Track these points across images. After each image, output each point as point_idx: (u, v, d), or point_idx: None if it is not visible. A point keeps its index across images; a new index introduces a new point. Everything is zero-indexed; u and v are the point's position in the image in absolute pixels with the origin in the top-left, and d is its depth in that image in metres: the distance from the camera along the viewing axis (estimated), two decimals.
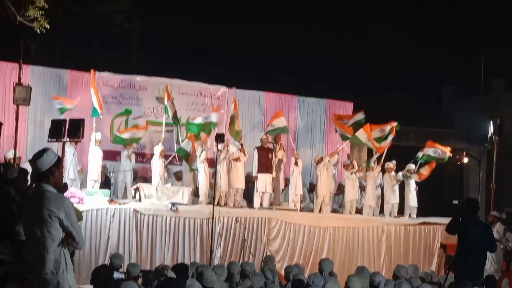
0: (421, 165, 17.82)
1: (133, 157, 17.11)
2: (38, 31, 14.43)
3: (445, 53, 29.52)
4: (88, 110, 16.76)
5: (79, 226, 6.14)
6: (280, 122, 17.78)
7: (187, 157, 16.96)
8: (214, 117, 17.46)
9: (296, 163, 17.11)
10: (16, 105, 15.28)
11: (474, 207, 10.41)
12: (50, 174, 5.97)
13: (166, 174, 16.80)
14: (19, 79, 15.48)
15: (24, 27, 14.63)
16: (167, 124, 17.58)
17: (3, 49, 17.57)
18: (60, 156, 6.13)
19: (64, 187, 8.84)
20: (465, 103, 28.50)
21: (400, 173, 17.47)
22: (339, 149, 18.19)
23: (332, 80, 25.51)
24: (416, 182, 17.62)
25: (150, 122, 18.50)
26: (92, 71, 17.05)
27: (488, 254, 12.45)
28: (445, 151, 17.99)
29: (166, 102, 17.22)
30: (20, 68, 15.60)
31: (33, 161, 6.01)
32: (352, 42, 28.36)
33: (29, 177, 9.45)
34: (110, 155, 17.44)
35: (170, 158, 17.49)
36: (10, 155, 15.10)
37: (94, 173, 15.93)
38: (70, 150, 15.38)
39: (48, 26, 14.46)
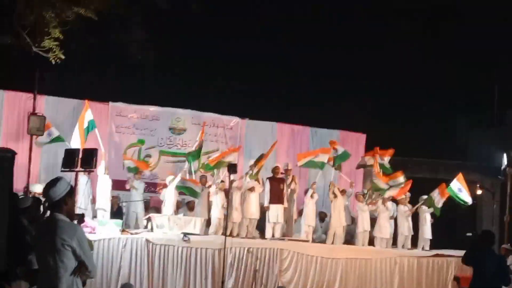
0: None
1: (140, 185, 17.04)
2: (53, 61, 14.60)
3: (458, 84, 29.50)
4: (102, 140, 16.84)
5: (91, 255, 6.13)
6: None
7: (192, 192, 16.83)
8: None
9: (311, 196, 17.09)
10: (30, 134, 15.39)
11: (490, 240, 10.33)
12: (63, 203, 5.98)
13: (176, 205, 16.79)
14: (34, 109, 15.63)
15: (39, 57, 14.81)
16: (179, 155, 17.64)
17: (18, 79, 17.74)
18: (73, 185, 6.14)
19: (81, 218, 8.87)
20: (478, 135, 28.42)
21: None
22: (354, 181, 18.19)
23: (345, 112, 25.51)
24: (431, 214, 17.54)
25: (163, 152, 18.60)
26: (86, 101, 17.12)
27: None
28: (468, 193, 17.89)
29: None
30: (34, 98, 15.77)
31: (46, 190, 6.03)
32: (365, 72, 28.37)
33: (41, 207, 9.50)
34: (122, 185, 17.47)
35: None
36: (36, 189, 15.01)
37: (103, 202, 15.86)
38: (83, 180, 15.45)
39: (63, 57, 14.65)
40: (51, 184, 6.01)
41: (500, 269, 9.97)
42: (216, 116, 19.74)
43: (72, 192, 6.12)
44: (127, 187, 16.94)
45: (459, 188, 17.70)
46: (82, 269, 5.94)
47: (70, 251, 5.84)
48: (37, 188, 15.02)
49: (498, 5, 27.53)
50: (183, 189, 16.72)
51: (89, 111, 16.51)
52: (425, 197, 17.67)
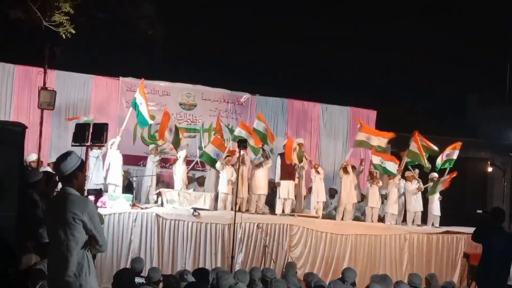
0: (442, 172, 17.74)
1: (152, 161, 17.07)
2: (64, 36, 14.56)
3: (469, 61, 29.31)
4: (112, 115, 16.84)
5: (102, 229, 6.16)
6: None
7: (211, 162, 16.79)
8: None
9: (317, 171, 17.06)
10: (41, 109, 15.40)
11: (501, 217, 10.28)
12: (73, 177, 6.01)
13: (186, 180, 16.81)
14: (44, 83, 15.62)
15: (50, 31, 14.76)
16: (190, 130, 17.63)
17: (29, 54, 17.73)
18: (84, 160, 6.16)
19: (99, 194, 8.89)
20: (489, 112, 28.26)
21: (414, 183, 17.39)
22: (364, 159, 18.16)
23: (356, 88, 25.43)
24: (440, 191, 17.50)
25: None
26: (142, 79, 17.08)
27: None
28: (454, 149, 17.83)
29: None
30: (45, 72, 15.74)
31: (57, 164, 6.06)
32: (375, 49, 28.23)
33: (52, 180, 9.52)
34: (133, 160, 17.54)
35: (193, 164, 17.56)
36: (31, 158, 15.16)
37: (114, 177, 15.86)
38: (94, 154, 15.48)
39: (73, 31, 14.59)
40: (62, 158, 6.04)
41: (510, 247, 9.94)
42: (227, 92, 19.72)
43: (83, 166, 6.13)
44: (154, 160, 16.92)
45: (446, 154, 17.72)
46: (93, 243, 5.98)
47: (81, 225, 5.88)
48: (32, 157, 15.11)
49: None
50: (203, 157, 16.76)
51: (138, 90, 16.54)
52: (435, 175, 17.64)
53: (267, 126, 16.99)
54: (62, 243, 5.88)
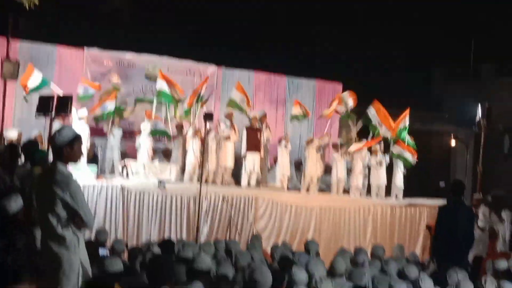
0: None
1: (116, 132, 16.93)
2: (27, 6, 14.32)
3: (435, 35, 29.50)
4: (76, 87, 16.67)
5: (87, 206, 6.19)
6: (296, 110, 18.03)
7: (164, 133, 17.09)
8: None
9: (285, 146, 17.14)
10: (4, 80, 15.20)
11: (460, 189, 10.41)
12: (62, 152, 6.04)
13: (151, 152, 16.75)
14: (7, 54, 15.39)
15: (13, 1, 14.51)
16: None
17: None
18: (78, 136, 6.19)
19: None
20: (453, 87, 28.54)
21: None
22: (328, 131, 18.26)
23: (320, 60, 25.45)
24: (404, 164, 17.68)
25: (139, 100, 18.48)
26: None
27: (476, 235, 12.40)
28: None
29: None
30: (8, 43, 15.50)
31: (52, 137, 6.12)
32: (340, 21, 28.25)
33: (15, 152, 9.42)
34: (99, 131, 17.40)
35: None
36: (11, 134, 14.87)
37: None
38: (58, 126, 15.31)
39: (37, 2, 14.36)
40: (56, 132, 6.09)
41: (467, 221, 10.06)
42: (193, 64, 19.61)
43: (74, 141, 6.12)
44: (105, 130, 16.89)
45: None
46: (77, 221, 6.00)
47: (62, 203, 5.89)
48: (11, 133, 14.89)
49: None
50: (156, 132, 16.80)
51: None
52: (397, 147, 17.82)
53: (247, 96, 17.37)
54: (45, 218, 5.93)
